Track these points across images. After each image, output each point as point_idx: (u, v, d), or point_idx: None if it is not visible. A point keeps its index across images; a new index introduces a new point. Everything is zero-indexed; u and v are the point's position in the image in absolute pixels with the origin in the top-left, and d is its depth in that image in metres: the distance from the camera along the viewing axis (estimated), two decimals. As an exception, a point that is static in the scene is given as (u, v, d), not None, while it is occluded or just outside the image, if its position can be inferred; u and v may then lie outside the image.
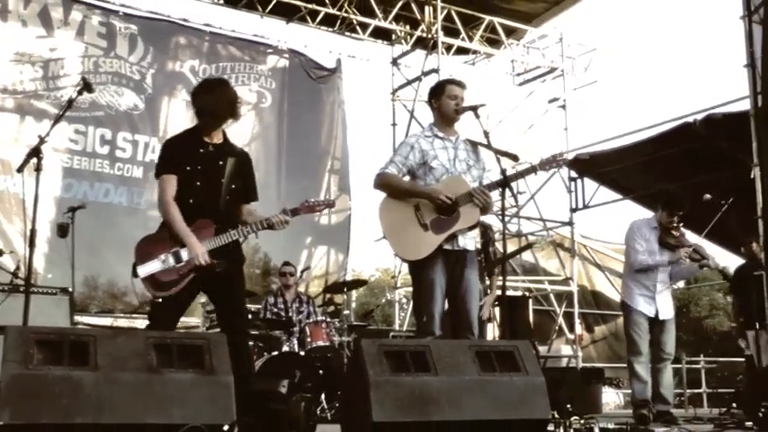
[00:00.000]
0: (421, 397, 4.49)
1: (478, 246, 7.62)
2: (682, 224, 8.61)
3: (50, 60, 13.54)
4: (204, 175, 5.85)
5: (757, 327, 9.16)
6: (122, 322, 13.03)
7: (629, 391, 9.00)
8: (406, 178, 6.35)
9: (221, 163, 5.88)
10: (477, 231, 6.49)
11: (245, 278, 6.14)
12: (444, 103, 6.38)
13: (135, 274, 5.75)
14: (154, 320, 5.82)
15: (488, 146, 6.34)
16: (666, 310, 8.57)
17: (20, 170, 5.88)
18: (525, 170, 6.41)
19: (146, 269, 5.70)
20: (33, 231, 5.81)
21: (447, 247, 6.14)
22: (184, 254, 5.66)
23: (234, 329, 5.68)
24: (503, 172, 6.07)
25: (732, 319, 11.27)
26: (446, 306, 6.23)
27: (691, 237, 8.77)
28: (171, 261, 5.68)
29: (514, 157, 6.30)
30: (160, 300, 5.75)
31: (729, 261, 11.05)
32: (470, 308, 6.22)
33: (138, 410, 3.99)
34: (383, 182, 6.31)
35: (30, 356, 3.95)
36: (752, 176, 11.05)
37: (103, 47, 14.12)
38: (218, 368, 4.26)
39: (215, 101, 5.86)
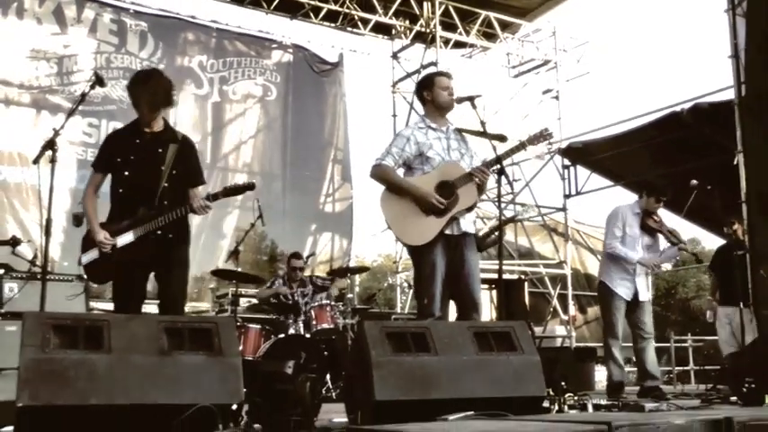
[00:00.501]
0: (421, 376, 4.49)
1: None
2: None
3: (64, 56, 13.56)
4: (140, 164, 5.85)
5: (741, 306, 9.16)
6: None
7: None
8: (401, 170, 6.37)
9: (161, 150, 5.87)
10: (474, 214, 6.49)
11: (185, 258, 6.05)
12: (438, 95, 6.40)
13: (80, 262, 5.92)
14: (114, 304, 5.95)
15: (478, 132, 6.35)
16: (644, 293, 8.62)
17: (36, 162, 5.87)
18: (516, 146, 6.38)
19: (86, 257, 5.85)
20: (49, 221, 5.79)
21: (447, 231, 6.15)
22: (118, 242, 5.73)
23: (167, 306, 5.81)
24: (497, 154, 6.09)
25: (710, 295, 11.31)
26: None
27: (672, 220, 8.85)
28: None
29: (502, 138, 6.29)
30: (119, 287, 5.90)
31: (713, 243, 11.07)
32: (473, 289, 6.23)
33: (150, 391, 3.99)
34: (379, 174, 6.32)
35: (47, 341, 3.95)
36: (735, 162, 11.06)
37: (115, 43, 14.15)
38: (226, 350, 4.25)
39: (150, 91, 5.86)
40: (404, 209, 6.17)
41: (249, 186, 6.00)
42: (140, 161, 5.85)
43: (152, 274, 6.02)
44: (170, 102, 6.00)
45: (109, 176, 5.99)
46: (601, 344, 9.48)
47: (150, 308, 6.43)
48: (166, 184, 5.80)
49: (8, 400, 4.02)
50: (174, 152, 5.87)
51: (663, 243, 8.76)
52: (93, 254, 5.81)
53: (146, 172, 5.82)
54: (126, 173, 5.85)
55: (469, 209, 6.21)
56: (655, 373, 8.53)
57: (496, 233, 8.51)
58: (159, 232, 5.73)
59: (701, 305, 28.36)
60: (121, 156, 5.88)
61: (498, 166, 6.11)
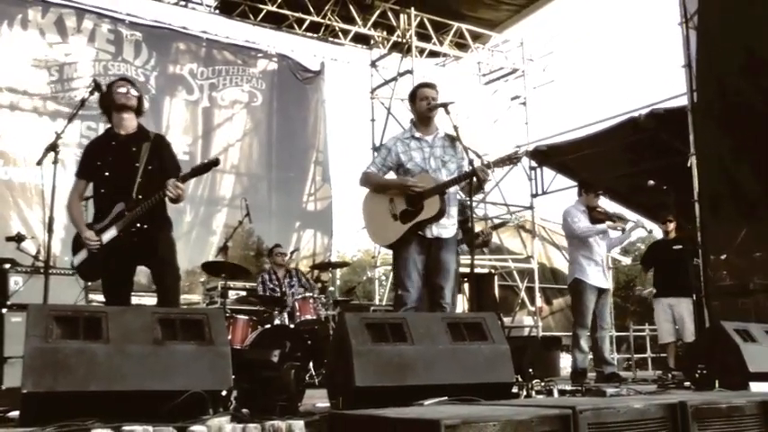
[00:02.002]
0: (399, 364, 4.50)
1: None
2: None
3: (65, 64, 13.51)
4: (117, 163, 5.87)
5: (693, 297, 9.25)
6: (132, 300, 13.07)
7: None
8: (390, 175, 6.52)
9: (135, 149, 5.87)
10: (454, 219, 6.52)
11: (167, 244, 6.02)
12: (418, 105, 6.52)
13: (72, 265, 5.99)
14: (105, 297, 5.99)
15: (461, 142, 6.44)
16: (608, 281, 8.83)
17: (39, 163, 5.91)
18: (483, 167, 6.39)
19: (77, 258, 5.91)
20: (51, 219, 5.80)
21: (421, 233, 6.26)
22: (104, 238, 5.77)
23: (161, 282, 5.89)
24: (470, 162, 6.15)
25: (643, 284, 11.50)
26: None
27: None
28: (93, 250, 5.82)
29: (478, 155, 6.36)
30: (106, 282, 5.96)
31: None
32: (444, 285, 6.28)
33: (145, 378, 3.98)
34: (364, 179, 6.55)
35: (49, 331, 3.93)
36: (689, 165, 11.14)
37: (112, 52, 14.09)
38: (216, 340, 4.26)
39: (110, 98, 5.96)
40: (378, 212, 6.40)
41: (215, 162, 5.92)
42: (117, 160, 5.88)
43: (147, 270, 6.03)
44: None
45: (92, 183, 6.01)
46: (565, 333, 9.54)
47: (146, 300, 6.41)
48: (141, 180, 5.79)
49: (14, 387, 4.02)
50: (147, 149, 5.88)
51: (612, 233, 9.05)
52: (82, 254, 5.85)
53: (122, 170, 5.83)
54: (106, 173, 5.88)
55: (436, 217, 6.24)
56: (611, 360, 8.70)
57: (484, 235, 8.68)
58: (139, 224, 5.74)
59: (639, 294, 28.54)
60: (101, 159, 5.92)
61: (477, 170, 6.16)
